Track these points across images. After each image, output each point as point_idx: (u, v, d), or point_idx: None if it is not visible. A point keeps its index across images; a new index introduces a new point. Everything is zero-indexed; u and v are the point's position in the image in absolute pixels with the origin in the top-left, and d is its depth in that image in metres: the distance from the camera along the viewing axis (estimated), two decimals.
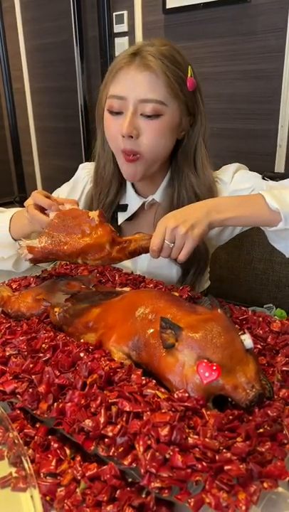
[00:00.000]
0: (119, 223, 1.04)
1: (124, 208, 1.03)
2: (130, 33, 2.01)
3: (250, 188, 0.93)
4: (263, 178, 0.95)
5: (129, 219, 1.03)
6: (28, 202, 0.84)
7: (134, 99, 0.85)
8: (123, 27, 2.01)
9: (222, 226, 0.84)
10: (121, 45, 2.06)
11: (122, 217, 1.03)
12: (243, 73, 1.66)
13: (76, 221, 0.75)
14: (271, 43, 1.55)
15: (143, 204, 1.02)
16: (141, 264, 1.04)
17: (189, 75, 0.88)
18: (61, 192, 1.11)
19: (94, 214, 0.75)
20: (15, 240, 0.93)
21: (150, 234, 0.77)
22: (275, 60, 1.56)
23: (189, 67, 0.89)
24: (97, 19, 2.11)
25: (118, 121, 0.87)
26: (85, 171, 1.10)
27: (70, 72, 2.40)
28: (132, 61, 0.85)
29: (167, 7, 1.79)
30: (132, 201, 1.03)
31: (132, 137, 0.86)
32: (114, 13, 2.04)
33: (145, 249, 0.77)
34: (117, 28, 2.04)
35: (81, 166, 1.14)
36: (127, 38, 2.03)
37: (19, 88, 2.90)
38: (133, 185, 1.03)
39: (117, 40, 2.07)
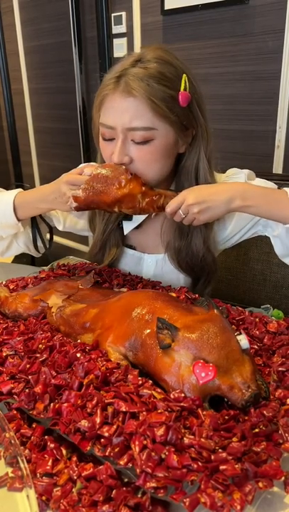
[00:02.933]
0: (125, 233, 1.01)
1: (129, 217, 1.00)
2: (129, 34, 2.01)
3: None
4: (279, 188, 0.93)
5: (136, 228, 1.01)
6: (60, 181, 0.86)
7: (121, 128, 0.82)
8: (121, 28, 2.02)
9: (240, 211, 0.84)
10: (119, 46, 2.06)
11: (127, 226, 1.01)
12: (241, 74, 1.67)
13: (113, 173, 0.82)
14: (269, 44, 1.56)
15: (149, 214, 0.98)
16: (147, 270, 1.03)
17: (182, 88, 0.82)
18: None
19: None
20: (19, 220, 0.94)
21: (177, 193, 0.82)
22: (273, 61, 1.56)
23: (184, 77, 0.82)
24: (95, 20, 2.11)
25: (111, 147, 0.85)
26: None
27: (68, 73, 2.41)
28: (117, 87, 0.81)
29: (165, 8, 1.79)
30: None
31: (124, 163, 0.84)
32: (112, 14, 2.04)
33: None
34: (116, 29, 2.05)
35: (84, 165, 1.08)
36: (125, 39, 2.03)
37: (18, 89, 2.90)
38: None
39: (116, 41, 2.07)
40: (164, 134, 0.83)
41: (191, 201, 0.79)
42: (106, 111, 0.84)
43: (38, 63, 2.70)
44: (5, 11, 2.79)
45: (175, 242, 0.95)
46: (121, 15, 2.00)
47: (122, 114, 0.81)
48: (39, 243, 1.02)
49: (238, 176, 0.96)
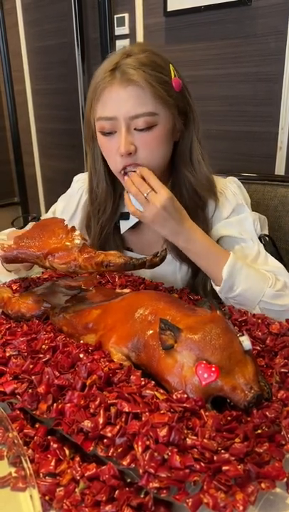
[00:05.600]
0: (122, 232, 1.02)
1: (126, 216, 1.01)
2: (131, 35, 2.02)
3: (238, 236, 0.93)
4: (260, 238, 0.93)
5: (133, 227, 1.01)
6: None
7: (124, 117, 0.83)
8: (124, 29, 2.02)
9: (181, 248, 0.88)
10: (122, 47, 2.07)
11: (124, 225, 1.01)
12: (243, 76, 1.67)
13: (51, 226, 0.78)
14: (272, 45, 1.56)
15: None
16: (144, 271, 1.03)
17: (173, 75, 0.86)
18: (57, 207, 1.11)
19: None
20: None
21: (125, 255, 0.74)
22: (275, 62, 1.56)
23: (171, 66, 0.87)
24: (98, 21, 2.12)
25: (113, 141, 0.86)
26: (79, 183, 1.09)
27: (71, 74, 2.41)
28: (113, 78, 0.82)
29: (168, 10, 1.79)
30: None
31: (130, 153, 0.85)
32: (115, 16, 2.04)
33: (113, 266, 0.72)
34: (118, 31, 2.05)
35: (75, 178, 1.12)
36: (128, 40, 2.04)
37: (20, 89, 2.91)
38: None
39: (118, 43, 2.08)
40: (164, 118, 0.86)
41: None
42: (105, 104, 0.85)
43: (41, 64, 2.70)
44: (8, 12, 2.80)
45: None
46: (124, 16, 2.01)
47: (124, 103, 0.83)
48: None
49: (236, 197, 0.96)
